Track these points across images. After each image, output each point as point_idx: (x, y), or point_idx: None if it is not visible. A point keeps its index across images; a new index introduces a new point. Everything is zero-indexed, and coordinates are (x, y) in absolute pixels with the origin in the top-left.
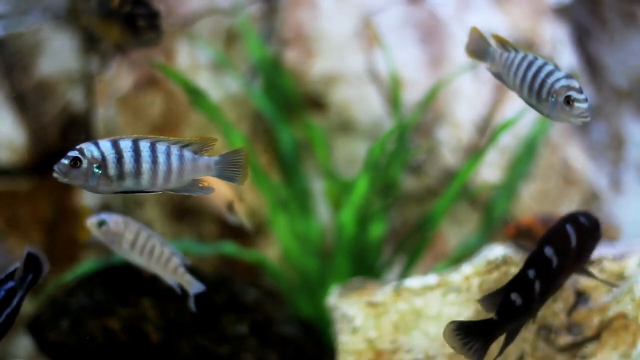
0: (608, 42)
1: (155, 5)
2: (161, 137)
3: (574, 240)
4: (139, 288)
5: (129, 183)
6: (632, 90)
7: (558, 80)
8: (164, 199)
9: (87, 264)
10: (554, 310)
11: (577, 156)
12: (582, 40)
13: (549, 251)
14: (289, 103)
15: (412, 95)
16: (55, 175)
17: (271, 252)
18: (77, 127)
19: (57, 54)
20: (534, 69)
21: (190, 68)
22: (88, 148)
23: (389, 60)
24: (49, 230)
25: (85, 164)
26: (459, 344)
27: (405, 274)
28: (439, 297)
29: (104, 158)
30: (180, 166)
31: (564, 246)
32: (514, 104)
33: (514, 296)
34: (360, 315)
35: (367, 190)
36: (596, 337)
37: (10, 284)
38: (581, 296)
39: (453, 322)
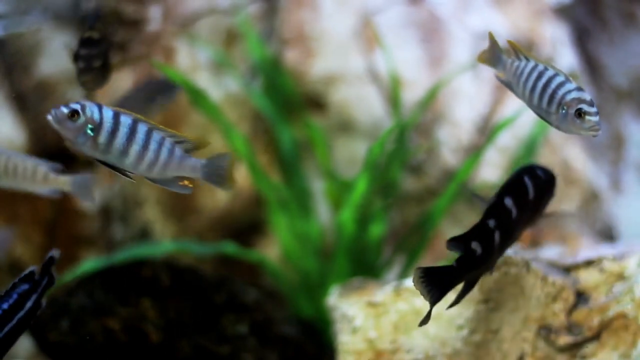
0: (608, 42)
1: (107, 46)
2: (160, 126)
3: (531, 192)
4: (139, 288)
5: (113, 157)
6: (632, 90)
7: (569, 92)
8: (164, 198)
9: (87, 264)
10: (554, 310)
11: (577, 156)
12: (582, 40)
13: (508, 202)
14: (289, 103)
15: (412, 95)
16: (49, 118)
17: (271, 252)
18: None
19: (57, 54)
20: (544, 79)
21: (190, 68)
22: (91, 107)
23: (389, 60)
24: (49, 230)
25: (81, 120)
26: (422, 288)
27: (405, 274)
28: None
29: (101, 123)
30: (167, 161)
31: (522, 197)
32: (514, 103)
33: (474, 245)
34: (360, 315)
35: (367, 189)
36: (596, 337)
37: (25, 287)
38: (581, 296)
39: (419, 268)
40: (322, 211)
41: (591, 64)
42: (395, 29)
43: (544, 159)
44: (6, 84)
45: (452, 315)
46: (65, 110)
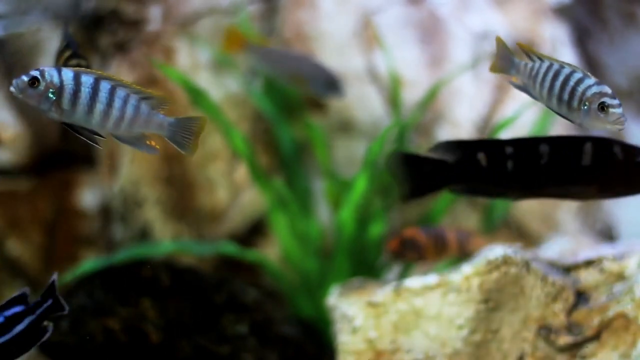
0: (608, 42)
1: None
2: (124, 82)
3: (587, 157)
4: (139, 288)
5: (78, 118)
6: (632, 90)
7: (589, 87)
8: (164, 198)
9: (87, 264)
10: (554, 310)
11: None
12: (582, 40)
13: (544, 147)
14: (289, 103)
15: (412, 95)
16: (11, 89)
17: (271, 252)
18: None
19: None
20: (561, 77)
21: (190, 68)
22: (50, 72)
23: (389, 60)
24: (49, 230)
25: (42, 86)
26: (400, 174)
27: (405, 274)
28: (439, 297)
29: (61, 86)
30: (134, 116)
31: (566, 153)
32: (514, 103)
33: (480, 156)
34: (360, 315)
35: (366, 188)
36: (596, 337)
37: (17, 309)
38: (581, 296)
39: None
40: (322, 211)
41: (591, 64)
42: (395, 29)
43: None
44: (6, 84)
45: (452, 315)
46: (25, 78)
